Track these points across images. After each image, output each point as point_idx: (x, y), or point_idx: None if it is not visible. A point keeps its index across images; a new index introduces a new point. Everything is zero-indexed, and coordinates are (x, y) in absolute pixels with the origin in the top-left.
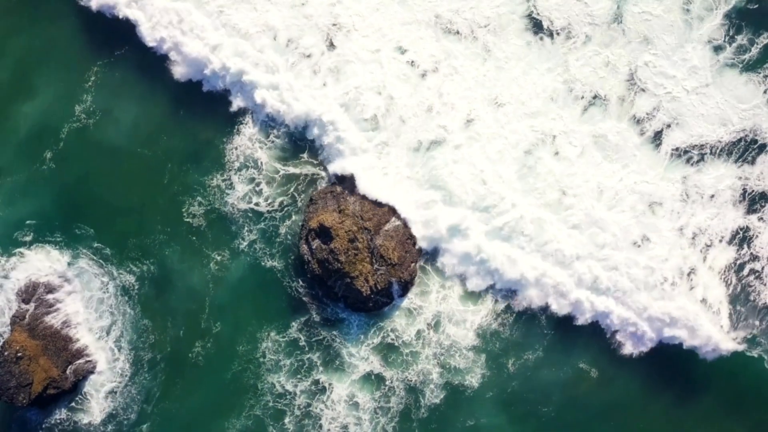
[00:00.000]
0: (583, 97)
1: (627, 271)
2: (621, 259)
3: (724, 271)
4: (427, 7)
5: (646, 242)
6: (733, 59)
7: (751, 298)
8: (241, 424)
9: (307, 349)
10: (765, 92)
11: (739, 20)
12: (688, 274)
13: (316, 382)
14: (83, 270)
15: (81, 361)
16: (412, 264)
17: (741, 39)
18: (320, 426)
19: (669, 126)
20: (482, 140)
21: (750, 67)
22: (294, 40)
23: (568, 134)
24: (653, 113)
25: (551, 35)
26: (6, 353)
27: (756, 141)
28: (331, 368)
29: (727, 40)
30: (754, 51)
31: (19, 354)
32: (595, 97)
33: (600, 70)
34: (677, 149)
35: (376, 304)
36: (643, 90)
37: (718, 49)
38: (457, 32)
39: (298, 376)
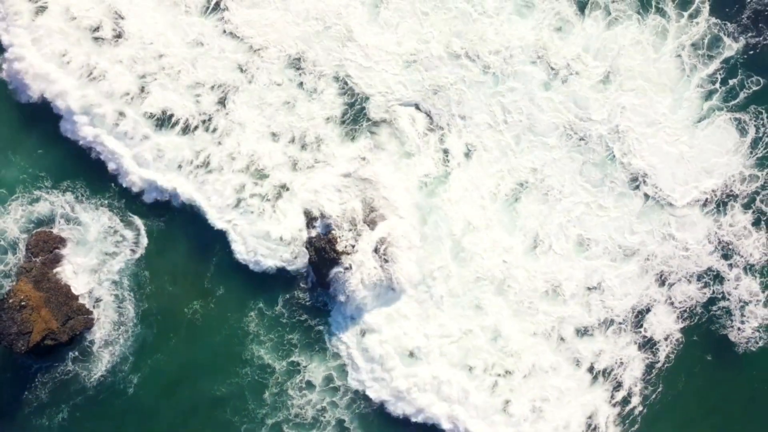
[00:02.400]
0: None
1: None
2: None
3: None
4: None
5: None
6: (721, 106)
7: None
8: (225, 388)
9: (289, 328)
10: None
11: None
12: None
13: (295, 363)
14: (91, 226)
15: (80, 317)
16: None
17: (724, 89)
18: (295, 405)
19: (646, 175)
20: None
21: (733, 109)
22: None
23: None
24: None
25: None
26: (11, 301)
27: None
28: (312, 351)
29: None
30: (742, 96)
31: (22, 303)
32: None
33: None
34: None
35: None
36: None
37: (706, 96)
38: None
39: (279, 353)
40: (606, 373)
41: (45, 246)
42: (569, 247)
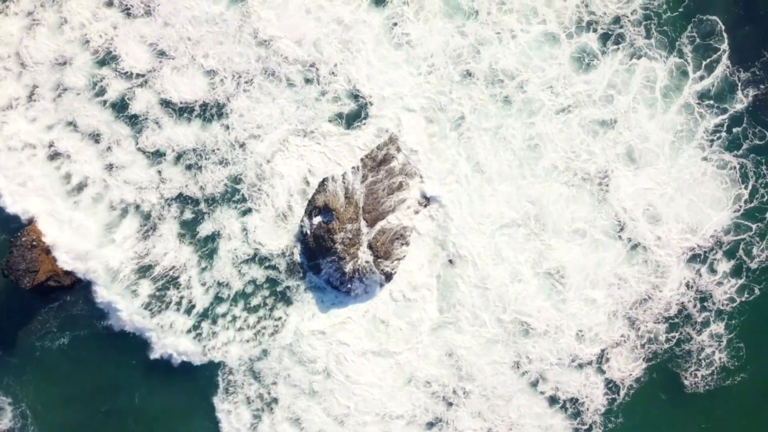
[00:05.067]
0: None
1: None
2: None
3: None
4: None
5: None
6: (721, 154)
7: None
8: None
9: (275, 299)
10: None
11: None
12: None
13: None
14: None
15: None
16: (395, 262)
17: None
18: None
19: (634, 220)
20: None
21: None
22: None
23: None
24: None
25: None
26: (24, 239)
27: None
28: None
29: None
30: (744, 147)
31: (34, 243)
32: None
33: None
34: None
35: (351, 289)
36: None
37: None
38: None
39: (258, 314)
40: (568, 402)
41: None
42: (544, 283)
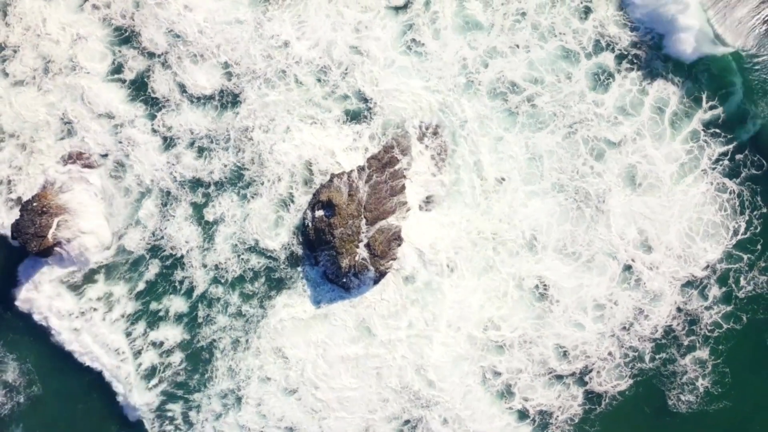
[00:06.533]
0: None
1: None
2: None
3: None
4: None
5: None
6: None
7: None
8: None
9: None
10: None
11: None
12: None
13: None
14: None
15: (88, 236)
16: (390, 262)
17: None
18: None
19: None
20: None
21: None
22: None
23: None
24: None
25: None
26: (35, 204)
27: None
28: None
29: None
30: (742, 175)
31: (44, 209)
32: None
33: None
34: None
35: (345, 283)
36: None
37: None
38: None
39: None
40: (539, 414)
41: (75, 162)
42: (530, 299)
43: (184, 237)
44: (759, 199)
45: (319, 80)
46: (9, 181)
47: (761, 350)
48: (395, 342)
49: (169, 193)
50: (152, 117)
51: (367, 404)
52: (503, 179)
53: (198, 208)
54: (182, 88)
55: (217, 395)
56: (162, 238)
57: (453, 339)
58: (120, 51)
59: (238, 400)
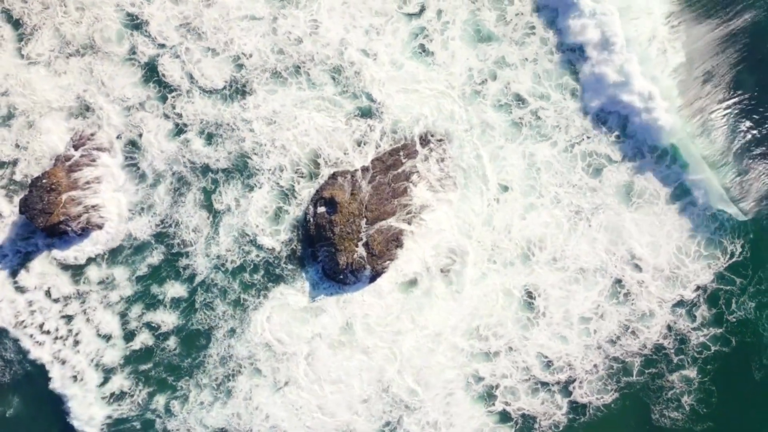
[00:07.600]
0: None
1: None
2: None
3: None
4: None
5: None
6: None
7: None
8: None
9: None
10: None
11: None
12: None
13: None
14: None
15: (95, 214)
16: (387, 262)
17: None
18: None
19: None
20: None
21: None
22: None
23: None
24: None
25: None
26: (44, 180)
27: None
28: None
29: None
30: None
31: (53, 186)
32: None
33: None
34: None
35: (342, 280)
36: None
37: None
38: None
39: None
40: (522, 417)
41: (86, 143)
42: (519, 309)
43: (192, 225)
44: (748, 224)
45: (333, 78)
46: (15, 162)
47: (747, 374)
48: (380, 344)
49: (180, 178)
50: (164, 99)
51: (349, 405)
52: (507, 188)
53: (207, 195)
54: (191, 78)
55: (204, 385)
56: (171, 225)
57: (440, 344)
58: (132, 35)
59: (228, 392)
